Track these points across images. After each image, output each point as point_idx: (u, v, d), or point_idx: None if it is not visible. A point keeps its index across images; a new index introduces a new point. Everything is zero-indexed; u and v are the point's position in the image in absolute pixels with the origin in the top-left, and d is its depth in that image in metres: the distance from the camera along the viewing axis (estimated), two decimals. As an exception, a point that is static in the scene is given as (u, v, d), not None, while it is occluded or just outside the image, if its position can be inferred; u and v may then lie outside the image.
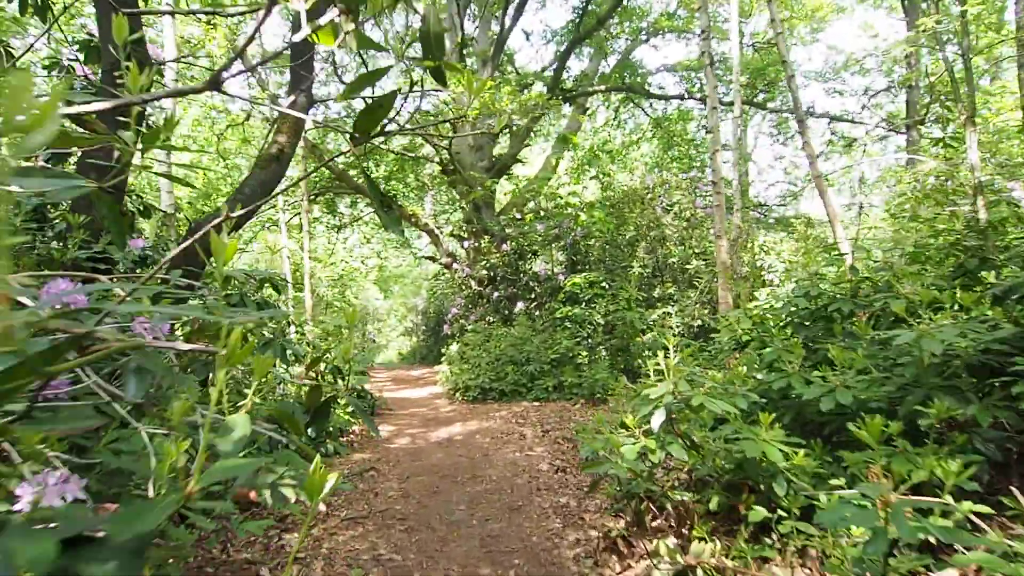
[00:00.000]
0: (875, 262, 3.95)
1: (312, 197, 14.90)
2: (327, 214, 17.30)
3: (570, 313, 9.34)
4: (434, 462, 5.56)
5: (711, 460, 2.59)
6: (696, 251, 10.30)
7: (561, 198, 11.90)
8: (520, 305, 10.72)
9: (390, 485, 4.77)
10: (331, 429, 6.56)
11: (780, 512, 2.34)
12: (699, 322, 9.00)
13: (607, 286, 9.86)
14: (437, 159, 13.00)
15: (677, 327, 8.84)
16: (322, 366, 5.05)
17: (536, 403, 8.43)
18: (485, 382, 9.03)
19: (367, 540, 3.54)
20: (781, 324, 3.70)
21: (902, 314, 2.68)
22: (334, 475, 0.90)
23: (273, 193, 4.55)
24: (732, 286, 7.52)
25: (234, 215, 1.05)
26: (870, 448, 2.36)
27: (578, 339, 9.25)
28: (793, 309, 3.53)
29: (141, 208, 4.98)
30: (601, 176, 12.83)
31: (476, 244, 12.20)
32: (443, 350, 11.94)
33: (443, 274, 15.34)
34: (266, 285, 5.02)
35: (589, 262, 10.90)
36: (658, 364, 2.60)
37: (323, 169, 13.78)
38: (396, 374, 15.55)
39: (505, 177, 13.69)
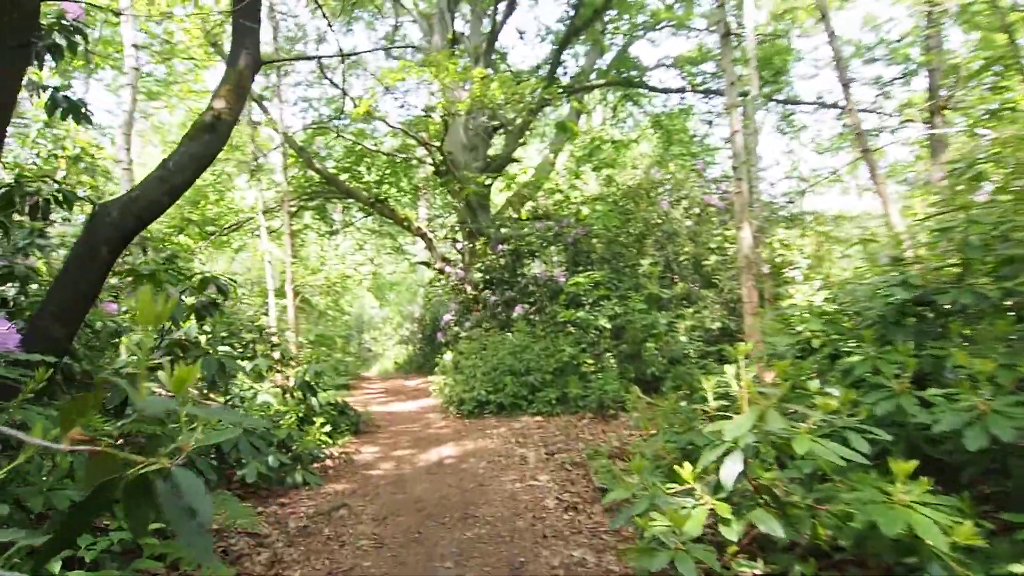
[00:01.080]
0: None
1: (301, 203, 14.25)
2: (318, 220, 16.63)
3: (573, 317, 8.45)
4: (419, 495, 4.69)
5: (807, 528, 1.74)
6: (711, 247, 9.45)
7: (561, 192, 11.08)
8: (519, 309, 9.86)
9: (362, 529, 3.89)
10: (301, 455, 5.67)
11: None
12: (718, 324, 8.15)
13: (613, 286, 9.00)
14: (430, 161, 12.17)
15: (694, 331, 7.98)
16: (291, 382, 4.11)
17: (538, 418, 7.56)
18: (481, 394, 8.15)
19: (320, 619, 2.68)
20: (867, 323, 2.83)
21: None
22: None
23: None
24: (757, 283, 6.69)
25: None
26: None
27: (583, 345, 8.36)
28: (886, 302, 2.65)
29: (59, 196, 4.18)
30: (603, 169, 12.02)
31: (471, 246, 11.38)
32: (437, 359, 11.08)
33: (438, 280, 14.57)
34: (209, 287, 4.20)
35: (592, 262, 10.05)
36: (723, 385, 1.76)
37: (313, 174, 13.13)
38: (390, 384, 14.73)
39: (500, 177, 12.90)
